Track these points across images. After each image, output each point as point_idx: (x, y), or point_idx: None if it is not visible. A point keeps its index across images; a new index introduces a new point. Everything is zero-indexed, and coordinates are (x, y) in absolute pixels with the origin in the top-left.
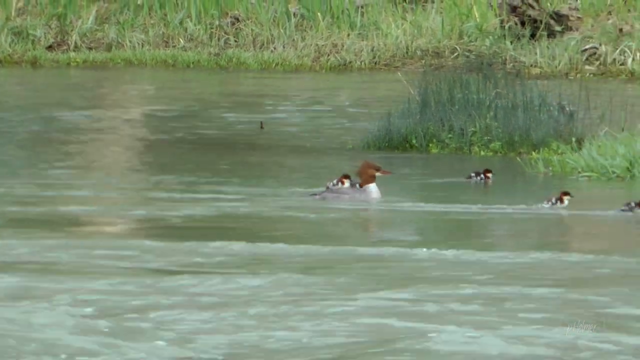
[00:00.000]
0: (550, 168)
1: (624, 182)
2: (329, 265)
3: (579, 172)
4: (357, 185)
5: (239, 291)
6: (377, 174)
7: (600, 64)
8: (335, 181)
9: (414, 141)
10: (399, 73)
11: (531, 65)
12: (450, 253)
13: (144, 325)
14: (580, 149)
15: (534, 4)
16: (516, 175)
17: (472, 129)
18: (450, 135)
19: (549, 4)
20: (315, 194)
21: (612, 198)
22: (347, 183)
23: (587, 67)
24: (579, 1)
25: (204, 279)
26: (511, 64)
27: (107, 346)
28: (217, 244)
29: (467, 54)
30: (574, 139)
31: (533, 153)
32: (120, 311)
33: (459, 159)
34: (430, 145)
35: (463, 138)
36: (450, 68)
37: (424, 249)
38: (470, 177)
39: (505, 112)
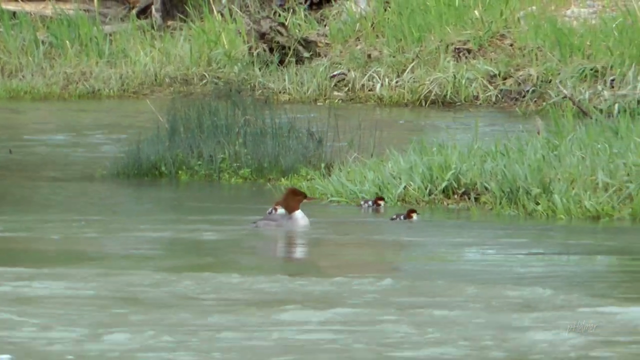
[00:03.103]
0: None
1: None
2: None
3: (329, 198)
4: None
5: None
6: (304, 201)
7: (349, 89)
8: (270, 209)
9: (163, 168)
10: (148, 100)
11: (280, 92)
12: None
13: None
14: (329, 175)
15: (283, 31)
16: (267, 202)
17: (222, 155)
18: (199, 162)
19: (297, 31)
20: (254, 222)
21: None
22: (279, 210)
23: (335, 93)
24: (327, 27)
25: None
26: (260, 91)
27: None
28: None
29: (215, 81)
30: (323, 165)
31: (282, 179)
32: None
33: (208, 186)
34: (180, 172)
35: (212, 165)
36: (199, 95)
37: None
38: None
39: (254, 139)
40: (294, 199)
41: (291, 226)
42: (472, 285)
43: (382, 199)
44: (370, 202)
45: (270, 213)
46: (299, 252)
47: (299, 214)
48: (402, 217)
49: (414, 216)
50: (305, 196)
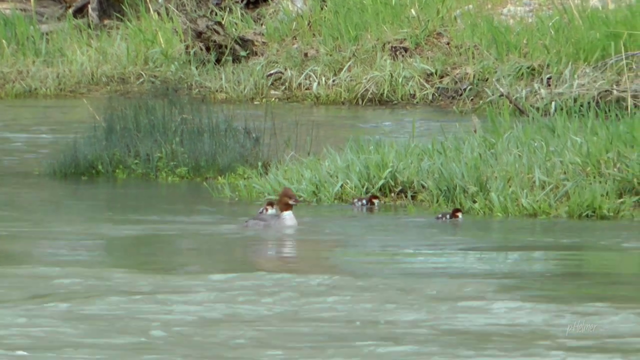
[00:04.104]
0: (237, 193)
1: (310, 207)
2: None
3: (266, 197)
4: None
5: None
6: (290, 202)
7: (285, 88)
8: (261, 209)
9: (100, 167)
10: (85, 99)
11: (217, 91)
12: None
13: None
14: (266, 173)
15: (219, 30)
16: (203, 201)
17: (159, 154)
18: (136, 161)
19: (234, 30)
20: (245, 221)
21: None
22: (270, 210)
23: (272, 91)
24: (264, 26)
25: None
26: (197, 90)
27: None
28: None
29: (152, 80)
30: (260, 164)
31: (219, 178)
32: None
33: (145, 185)
34: (117, 171)
35: (149, 164)
36: (136, 94)
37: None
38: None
39: (191, 138)
40: (282, 199)
41: (278, 226)
42: (406, 280)
43: (376, 197)
44: (364, 201)
45: (261, 213)
46: (232, 252)
47: (287, 214)
48: (447, 216)
49: (459, 215)
50: (295, 200)
